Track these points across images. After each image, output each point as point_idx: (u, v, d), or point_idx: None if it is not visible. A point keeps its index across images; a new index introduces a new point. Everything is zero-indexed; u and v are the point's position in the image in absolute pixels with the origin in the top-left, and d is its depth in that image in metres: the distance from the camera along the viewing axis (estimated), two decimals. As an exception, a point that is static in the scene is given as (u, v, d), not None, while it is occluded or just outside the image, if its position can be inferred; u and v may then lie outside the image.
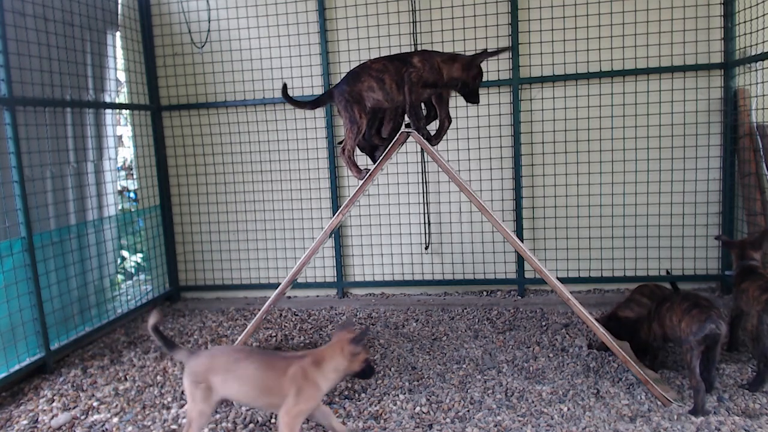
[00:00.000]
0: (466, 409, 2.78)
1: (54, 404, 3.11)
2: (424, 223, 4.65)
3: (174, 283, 5.04)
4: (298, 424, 2.25)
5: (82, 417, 2.95)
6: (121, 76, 4.72)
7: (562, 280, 4.01)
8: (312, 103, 3.16)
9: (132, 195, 5.46)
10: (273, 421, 2.78)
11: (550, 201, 4.49)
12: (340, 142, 3.09)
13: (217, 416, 2.84)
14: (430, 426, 2.65)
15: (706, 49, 4.17)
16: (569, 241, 4.51)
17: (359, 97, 2.90)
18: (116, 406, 3.04)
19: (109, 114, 4.42)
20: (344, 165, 3.16)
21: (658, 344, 2.99)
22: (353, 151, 2.95)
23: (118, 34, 4.60)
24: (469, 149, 4.53)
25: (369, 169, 2.94)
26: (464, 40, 4.44)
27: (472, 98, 2.98)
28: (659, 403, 2.72)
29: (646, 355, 3.08)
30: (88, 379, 3.40)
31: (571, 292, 2.93)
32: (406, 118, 3.09)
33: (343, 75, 4.64)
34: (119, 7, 4.58)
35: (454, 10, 4.43)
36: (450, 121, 3.01)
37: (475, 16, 4.41)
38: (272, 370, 2.26)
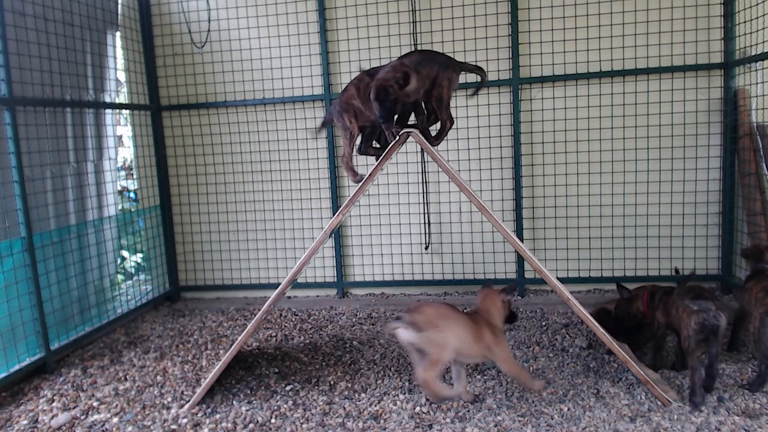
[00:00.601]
0: (466, 409, 2.78)
1: (54, 404, 3.11)
2: (424, 223, 4.65)
3: (174, 283, 5.04)
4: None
5: (82, 417, 2.95)
6: (121, 76, 4.72)
7: (562, 280, 4.02)
8: (321, 126, 3.35)
9: (132, 195, 5.46)
10: (273, 420, 2.78)
11: (550, 201, 4.49)
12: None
13: (217, 416, 2.85)
14: (430, 426, 2.65)
15: (706, 49, 4.17)
16: (569, 241, 4.51)
17: (347, 106, 2.99)
18: (116, 406, 3.04)
19: (109, 114, 4.42)
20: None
21: (661, 333, 3.02)
22: (351, 158, 3.00)
23: (118, 34, 4.60)
24: (469, 149, 4.53)
25: (364, 175, 2.95)
26: (464, 40, 4.44)
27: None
28: (659, 403, 2.72)
29: (634, 340, 3.19)
30: (88, 379, 3.40)
31: (571, 292, 2.93)
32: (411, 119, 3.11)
33: (343, 75, 4.69)
34: (119, 7, 4.58)
35: (454, 10, 4.43)
36: (452, 122, 2.99)
37: (475, 16, 4.41)
38: (474, 324, 2.69)
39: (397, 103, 2.70)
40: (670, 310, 2.89)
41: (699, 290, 2.80)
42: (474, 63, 3.14)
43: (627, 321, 3.22)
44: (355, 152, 3.06)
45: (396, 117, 2.98)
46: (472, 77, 4.39)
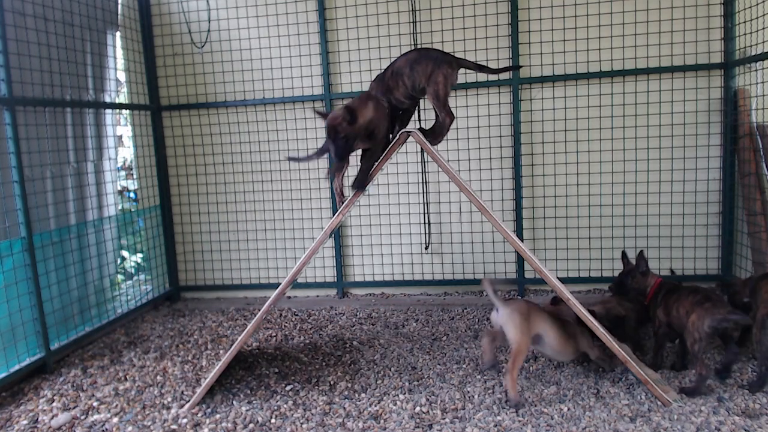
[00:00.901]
0: (466, 409, 2.78)
1: (54, 404, 3.11)
2: (424, 223, 4.65)
3: (174, 283, 5.04)
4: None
5: (82, 417, 2.95)
6: (121, 76, 4.72)
7: (562, 280, 4.02)
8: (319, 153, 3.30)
9: (132, 195, 5.46)
10: (273, 420, 2.78)
11: (550, 201, 4.49)
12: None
13: (217, 416, 2.85)
14: (430, 426, 2.65)
15: (706, 49, 4.17)
16: (569, 241, 4.51)
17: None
18: (116, 406, 3.04)
19: (109, 114, 4.42)
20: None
21: (663, 331, 3.02)
22: (341, 187, 3.07)
23: (118, 34, 4.60)
24: (469, 149, 4.53)
25: (346, 198, 2.96)
26: (464, 40, 4.44)
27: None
28: (659, 403, 2.72)
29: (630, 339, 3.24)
30: (88, 379, 3.41)
31: (571, 292, 2.93)
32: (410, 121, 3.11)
33: (343, 75, 4.69)
34: (119, 7, 4.58)
35: (454, 10, 4.43)
36: (451, 118, 2.92)
37: (475, 16, 4.42)
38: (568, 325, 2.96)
39: (349, 140, 2.72)
40: (671, 311, 2.90)
41: (705, 291, 2.84)
42: (474, 61, 3.10)
43: (629, 290, 3.21)
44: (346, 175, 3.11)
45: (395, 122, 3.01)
46: (472, 76, 4.42)
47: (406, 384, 3.09)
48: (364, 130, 2.80)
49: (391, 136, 3.06)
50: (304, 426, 2.71)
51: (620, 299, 3.47)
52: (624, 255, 3.28)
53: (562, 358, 3.06)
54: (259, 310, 3.00)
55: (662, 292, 3.05)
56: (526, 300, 3.05)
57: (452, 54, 2.96)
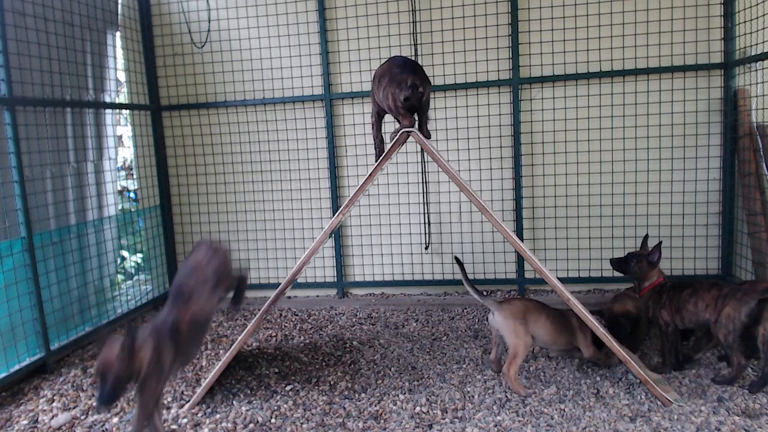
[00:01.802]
0: (466, 409, 2.78)
1: (54, 404, 3.11)
2: (424, 223, 4.65)
3: (174, 283, 5.03)
4: None
5: (82, 417, 2.95)
6: (121, 76, 4.72)
7: (562, 280, 4.02)
8: None
9: (132, 195, 5.46)
10: (273, 420, 2.78)
11: (550, 201, 4.49)
12: None
13: (217, 416, 2.85)
14: (430, 426, 2.65)
15: (706, 49, 4.17)
16: (569, 241, 4.51)
17: None
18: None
19: (109, 114, 4.42)
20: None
21: (672, 329, 3.01)
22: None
23: (118, 34, 4.59)
24: (469, 149, 4.53)
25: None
26: (464, 40, 4.44)
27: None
28: (659, 403, 2.72)
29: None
30: (88, 379, 3.40)
31: (571, 292, 2.93)
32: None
33: (343, 75, 4.68)
34: (119, 7, 4.58)
35: (454, 10, 4.43)
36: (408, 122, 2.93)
37: (475, 16, 4.41)
38: (563, 318, 3.03)
39: (121, 383, 2.22)
40: (686, 306, 2.88)
41: (728, 284, 2.86)
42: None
43: (626, 271, 3.17)
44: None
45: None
46: (472, 77, 4.42)
47: (406, 384, 3.09)
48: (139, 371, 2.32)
49: (389, 136, 3.06)
50: (304, 426, 2.71)
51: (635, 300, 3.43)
52: (646, 238, 3.23)
53: (554, 349, 3.18)
54: (259, 310, 3.00)
55: (665, 292, 3.02)
56: (522, 298, 3.08)
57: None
